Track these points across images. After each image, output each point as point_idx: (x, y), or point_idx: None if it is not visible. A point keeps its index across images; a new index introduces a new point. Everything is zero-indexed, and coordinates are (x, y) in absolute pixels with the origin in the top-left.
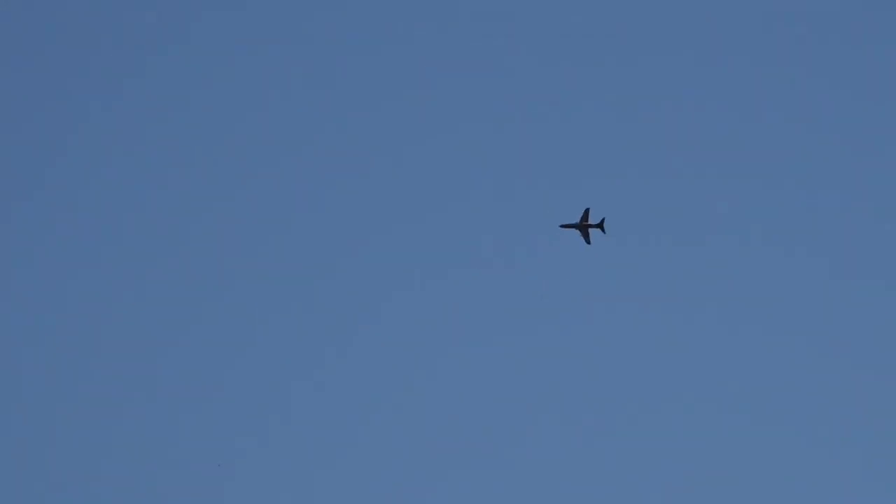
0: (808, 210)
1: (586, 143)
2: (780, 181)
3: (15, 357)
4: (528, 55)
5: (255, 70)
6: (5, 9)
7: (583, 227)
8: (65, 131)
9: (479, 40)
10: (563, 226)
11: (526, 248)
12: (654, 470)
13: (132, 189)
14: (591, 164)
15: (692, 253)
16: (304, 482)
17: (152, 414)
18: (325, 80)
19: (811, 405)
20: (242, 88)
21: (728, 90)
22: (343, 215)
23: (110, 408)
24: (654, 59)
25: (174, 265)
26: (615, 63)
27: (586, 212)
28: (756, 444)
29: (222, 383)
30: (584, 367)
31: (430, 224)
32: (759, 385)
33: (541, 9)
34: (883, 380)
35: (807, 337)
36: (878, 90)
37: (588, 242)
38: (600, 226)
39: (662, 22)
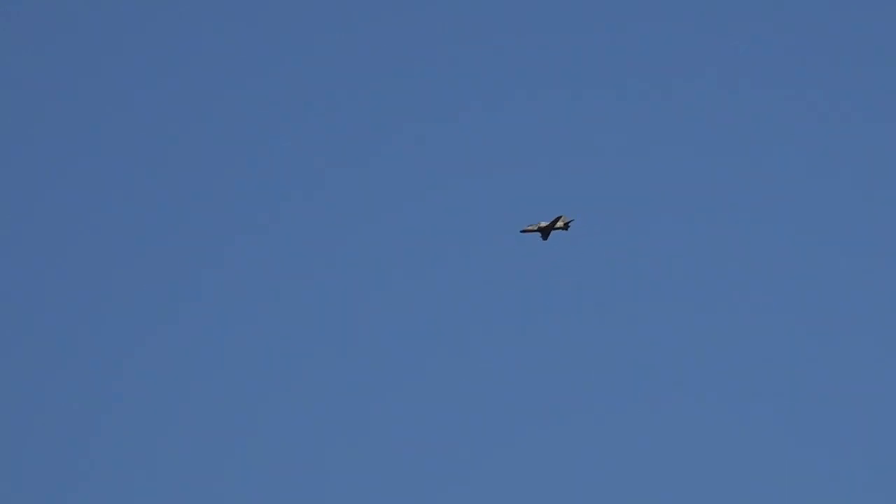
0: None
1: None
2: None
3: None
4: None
5: (253, 69)
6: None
7: (542, 230)
8: (64, 130)
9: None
10: (523, 231)
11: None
12: (653, 471)
13: (131, 187)
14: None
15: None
16: (305, 483)
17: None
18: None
19: (813, 395)
20: (241, 87)
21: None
22: (329, 213)
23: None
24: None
25: (170, 264)
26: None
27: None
28: (759, 437)
29: (222, 384)
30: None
31: (417, 219)
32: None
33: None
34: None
35: (803, 325)
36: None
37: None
38: (563, 226)
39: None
